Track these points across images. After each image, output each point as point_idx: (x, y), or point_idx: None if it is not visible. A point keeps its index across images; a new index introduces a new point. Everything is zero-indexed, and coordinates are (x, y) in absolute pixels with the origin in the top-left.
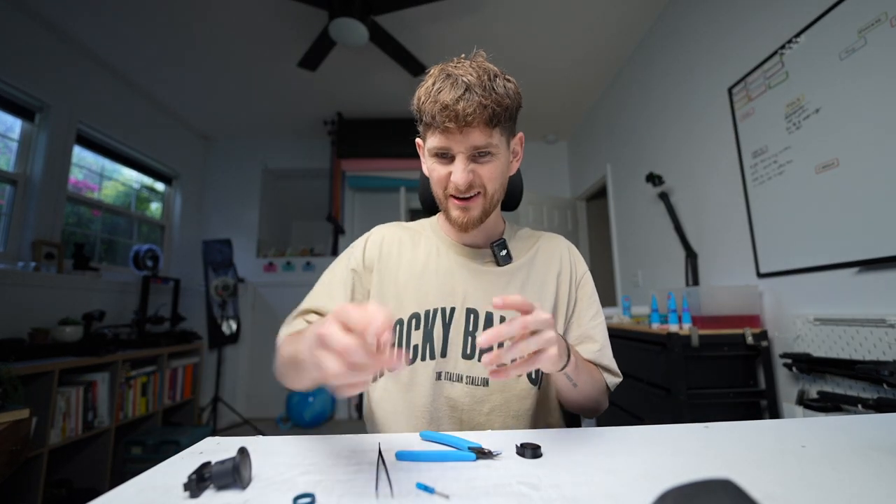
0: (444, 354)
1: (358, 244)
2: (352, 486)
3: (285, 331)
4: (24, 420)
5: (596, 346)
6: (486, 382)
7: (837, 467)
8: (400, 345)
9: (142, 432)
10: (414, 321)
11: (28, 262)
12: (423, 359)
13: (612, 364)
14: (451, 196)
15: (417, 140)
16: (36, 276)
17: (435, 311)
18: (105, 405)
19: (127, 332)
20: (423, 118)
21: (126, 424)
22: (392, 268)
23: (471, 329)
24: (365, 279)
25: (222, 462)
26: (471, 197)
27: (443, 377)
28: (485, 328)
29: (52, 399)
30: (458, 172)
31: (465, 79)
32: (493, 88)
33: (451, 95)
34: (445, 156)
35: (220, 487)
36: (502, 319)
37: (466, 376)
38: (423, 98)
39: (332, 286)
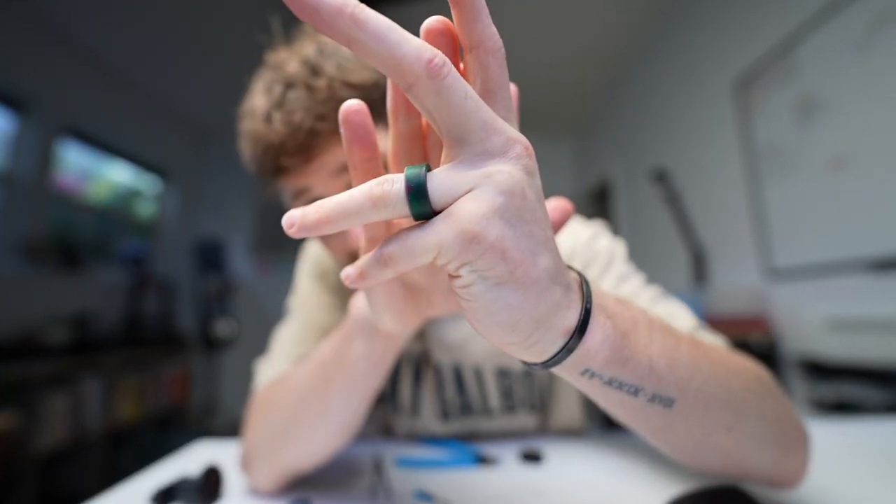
0: (415, 411)
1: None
2: (349, 492)
3: (267, 377)
4: (10, 425)
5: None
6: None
7: (850, 473)
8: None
9: (133, 436)
10: None
11: (15, 261)
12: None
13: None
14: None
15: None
16: (23, 276)
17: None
18: (95, 409)
19: (118, 333)
20: (255, 170)
21: (117, 428)
22: None
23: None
24: None
25: (188, 479)
26: None
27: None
28: (458, 385)
29: (41, 403)
30: None
31: (284, 74)
32: (330, 72)
33: (263, 108)
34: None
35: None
36: (478, 374)
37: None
38: (243, 141)
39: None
